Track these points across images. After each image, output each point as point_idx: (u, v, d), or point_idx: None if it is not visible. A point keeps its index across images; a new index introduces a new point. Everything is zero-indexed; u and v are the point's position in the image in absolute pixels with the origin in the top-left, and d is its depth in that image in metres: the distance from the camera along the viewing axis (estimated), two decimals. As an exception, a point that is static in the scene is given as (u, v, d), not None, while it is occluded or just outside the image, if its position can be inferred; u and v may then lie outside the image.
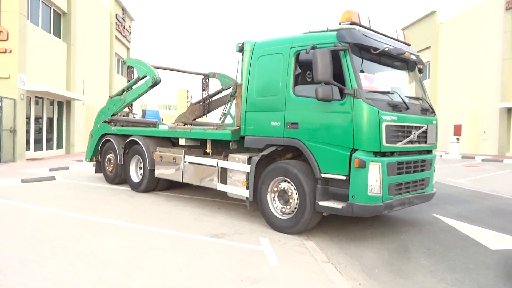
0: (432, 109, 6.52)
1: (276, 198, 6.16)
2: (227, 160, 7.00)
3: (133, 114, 11.59)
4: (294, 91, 6.00)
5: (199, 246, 5.29)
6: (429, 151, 6.43)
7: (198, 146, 8.39)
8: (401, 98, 5.84)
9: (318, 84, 5.38)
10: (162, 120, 13.56)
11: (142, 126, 9.75)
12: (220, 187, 7.11)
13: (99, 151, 10.76)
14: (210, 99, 11.28)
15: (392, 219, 7.00)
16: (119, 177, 10.05)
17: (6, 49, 14.26)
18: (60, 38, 18.75)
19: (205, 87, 11.38)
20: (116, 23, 26.27)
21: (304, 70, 6.11)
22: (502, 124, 21.80)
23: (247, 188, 6.48)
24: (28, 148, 15.89)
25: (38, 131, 17.13)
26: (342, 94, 5.42)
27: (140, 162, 9.38)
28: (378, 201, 5.27)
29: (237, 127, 6.90)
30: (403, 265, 4.82)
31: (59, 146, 18.93)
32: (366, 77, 5.55)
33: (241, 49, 6.92)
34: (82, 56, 20.55)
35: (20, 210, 7.15)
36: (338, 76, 5.42)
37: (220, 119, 7.68)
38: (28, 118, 15.92)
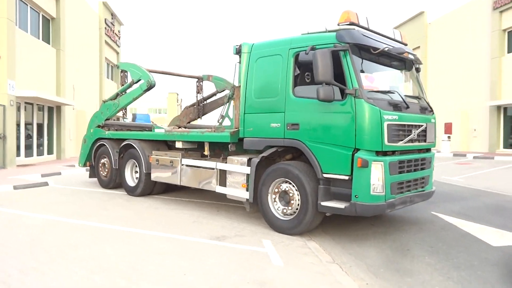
0: (431, 107, 6.55)
1: (277, 199, 6.12)
2: (225, 162, 6.94)
3: (124, 118, 11.42)
4: (294, 92, 5.97)
5: (201, 249, 5.22)
6: (428, 150, 6.45)
7: (195, 149, 8.33)
8: (401, 97, 5.85)
9: (318, 85, 5.36)
10: (153, 123, 13.45)
11: (137, 130, 9.65)
12: (219, 189, 7.05)
13: (92, 156, 10.62)
14: (205, 102, 11.23)
15: (392, 218, 7.00)
16: (114, 182, 9.93)
17: (-6, 55, 14.04)
18: (49, 43, 18.51)
19: (199, 89, 11.32)
20: (106, 28, 26.03)
21: (303, 71, 6.08)
22: (492, 122, 22.08)
23: (247, 190, 6.43)
24: (18, 154, 15.63)
25: (28, 136, 16.87)
26: (343, 94, 5.41)
27: (136, 166, 9.27)
28: (381, 200, 5.27)
29: (236, 129, 6.85)
30: (408, 264, 4.81)
31: (50, 151, 18.66)
32: (366, 77, 5.54)
33: (238, 51, 6.87)
34: (71, 61, 20.31)
35: (15, 217, 7.00)
36: (338, 76, 5.41)
37: (218, 121, 7.63)
38: (18, 124, 15.68)
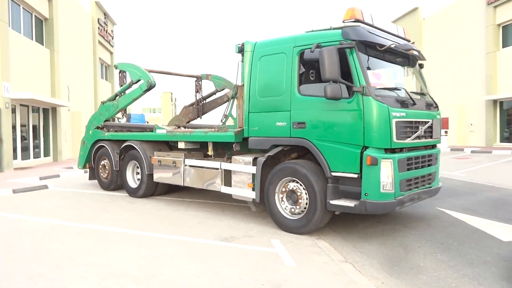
0: (436, 103, 6.53)
1: (284, 198, 6.07)
2: (230, 162, 6.88)
3: (118, 119, 11.25)
4: (299, 90, 5.92)
5: (211, 250, 5.16)
6: (433, 146, 6.44)
7: (197, 149, 8.25)
8: (407, 94, 5.81)
9: (324, 83, 5.32)
10: (148, 123, 13.37)
11: (137, 131, 9.54)
12: (225, 189, 6.98)
13: (92, 158, 10.51)
14: (204, 101, 11.14)
15: (399, 215, 6.98)
16: (115, 183, 9.82)
17: (-12, 57, 13.84)
18: (42, 44, 18.28)
19: (198, 89, 11.23)
20: (99, 28, 25.79)
21: (308, 69, 6.03)
22: (489, 116, 22.19)
23: (253, 189, 6.37)
24: (15, 157, 15.44)
25: (24, 139, 16.68)
26: (350, 92, 5.36)
27: (137, 167, 9.18)
28: (391, 198, 5.24)
29: (240, 129, 6.79)
30: (421, 261, 4.78)
31: (47, 153, 18.47)
32: (374, 74, 5.50)
33: (240, 50, 6.80)
34: (66, 62, 20.09)
35: (16, 222, 6.89)
36: (344, 74, 5.35)
37: (221, 120, 7.55)
38: (14, 127, 15.48)
